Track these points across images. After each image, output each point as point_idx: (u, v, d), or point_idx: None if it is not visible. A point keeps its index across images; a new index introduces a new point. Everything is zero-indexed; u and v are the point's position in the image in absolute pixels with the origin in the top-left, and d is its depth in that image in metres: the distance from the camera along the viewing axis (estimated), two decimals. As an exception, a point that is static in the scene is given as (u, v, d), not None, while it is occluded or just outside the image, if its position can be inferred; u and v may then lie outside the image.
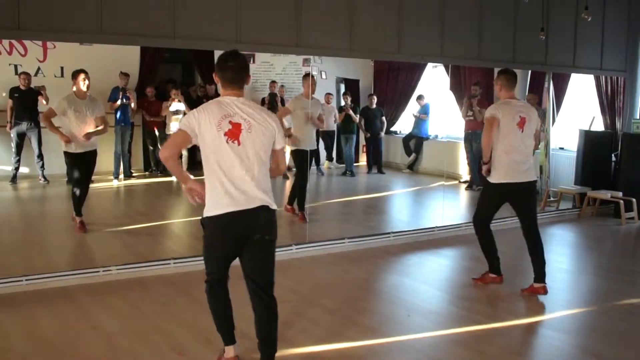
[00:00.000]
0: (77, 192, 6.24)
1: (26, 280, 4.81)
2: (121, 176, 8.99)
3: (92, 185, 6.55)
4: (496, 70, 9.59)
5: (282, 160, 3.43)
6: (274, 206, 3.29)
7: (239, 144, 3.15)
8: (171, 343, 3.90)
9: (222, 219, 3.18)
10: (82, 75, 6.18)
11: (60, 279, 4.93)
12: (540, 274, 5.00)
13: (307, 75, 7.13)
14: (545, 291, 4.96)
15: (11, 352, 3.72)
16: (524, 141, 4.97)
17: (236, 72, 3.22)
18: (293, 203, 7.32)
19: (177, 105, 9.33)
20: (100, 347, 3.81)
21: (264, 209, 3.23)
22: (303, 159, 7.13)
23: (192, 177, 3.29)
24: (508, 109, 4.92)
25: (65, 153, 6.21)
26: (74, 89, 6.21)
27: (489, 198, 5.16)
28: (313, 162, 8.98)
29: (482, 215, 5.19)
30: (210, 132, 3.13)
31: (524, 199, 5.05)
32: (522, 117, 4.91)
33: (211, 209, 3.20)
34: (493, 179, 5.00)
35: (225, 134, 3.14)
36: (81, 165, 6.22)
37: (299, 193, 7.26)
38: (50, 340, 3.91)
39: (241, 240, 3.26)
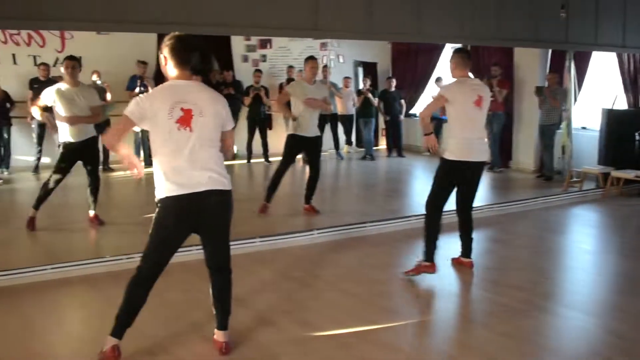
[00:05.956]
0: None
1: (51, 268, 4.86)
2: (142, 164, 9.03)
3: (124, 174, 6.49)
4: (516, 50, 9.63)
5: (230, 142, 3.46)
6: (227, 187, 3.30)
7: (190, 130, 3.15)
8: (195, 328, 3.94)
9: (170, 201, 3.19)
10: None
11: (84, 267, 4.97)
12: (467, 250, 5.16)
13: (309, 58, 6.62)
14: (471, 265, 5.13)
15: (34, 340, 3.78)
16: (480, 119, 4.90)
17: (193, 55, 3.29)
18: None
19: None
20: (126, 334, 3.85)
21: (213, 193, 3.23)
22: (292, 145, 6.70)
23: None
24: (463, 87, 4.83)
25: None
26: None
27: (443, 175, 5.00)
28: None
29: (435, 195, 5.04)
30: (162, 118, 3.12)
31: (474, 178, 4.99)
32: (480, 95, 4.82)
33: (160, 192, 3.22)
34: (449, 156, 4.88)
35: (177, 121, 3.12)
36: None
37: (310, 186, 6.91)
38: (76, 327, 3.96)
39: (191, 224, 3.29)
